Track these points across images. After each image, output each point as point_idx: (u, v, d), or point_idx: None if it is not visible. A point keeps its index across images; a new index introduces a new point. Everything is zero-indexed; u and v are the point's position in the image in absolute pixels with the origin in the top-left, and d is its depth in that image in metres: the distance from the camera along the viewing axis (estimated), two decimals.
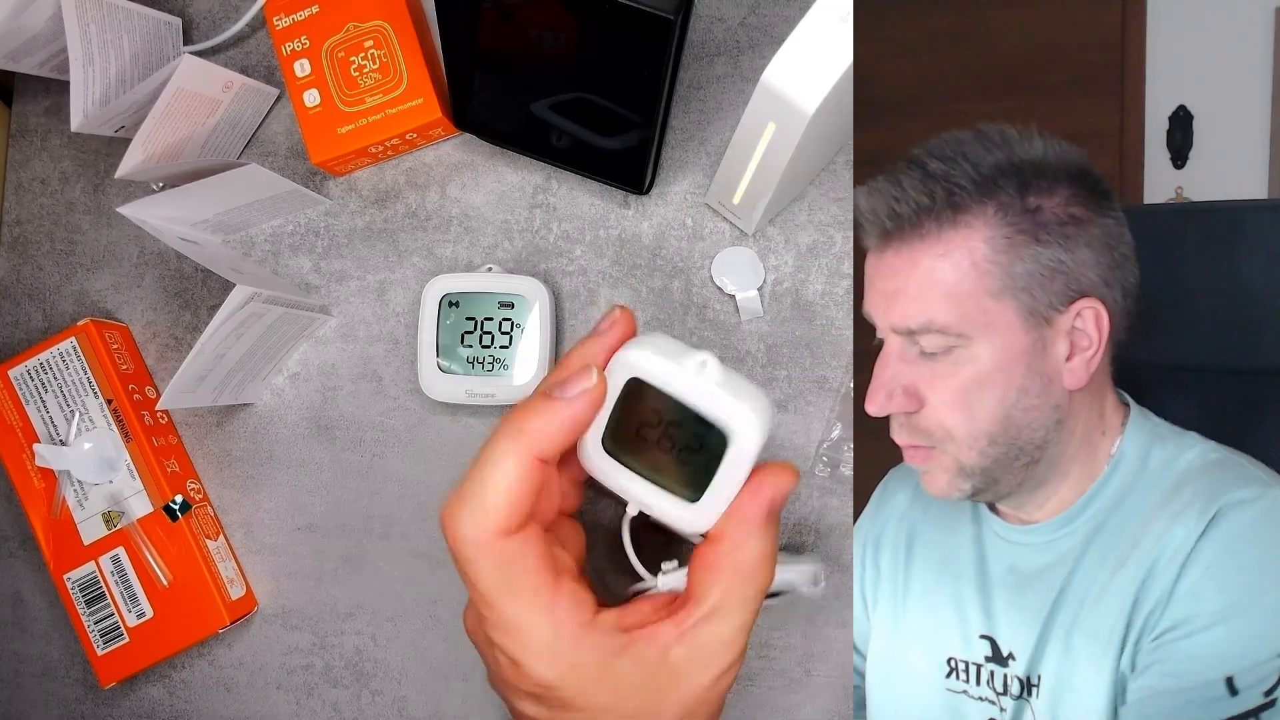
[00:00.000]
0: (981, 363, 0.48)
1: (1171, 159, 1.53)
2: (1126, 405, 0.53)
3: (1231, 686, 0.44)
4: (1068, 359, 0.48)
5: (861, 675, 0.60)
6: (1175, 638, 0.45)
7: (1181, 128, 1.51)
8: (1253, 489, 0.47)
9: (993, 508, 0.55)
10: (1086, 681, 0.48)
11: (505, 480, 0.34)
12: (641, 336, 0.40)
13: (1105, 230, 0.48)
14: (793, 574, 0.47)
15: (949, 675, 0.54)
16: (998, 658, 0.52)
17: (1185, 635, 0.45)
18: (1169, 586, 0.46)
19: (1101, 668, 0.48)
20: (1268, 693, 0.44)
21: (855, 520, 0.58)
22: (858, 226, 0.51)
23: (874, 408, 0.50)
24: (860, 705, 0.59)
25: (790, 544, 0.57)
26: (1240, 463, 0.49)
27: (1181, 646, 0.45)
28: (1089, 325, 0.48)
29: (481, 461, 0.35)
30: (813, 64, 0.42)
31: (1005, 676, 0.52)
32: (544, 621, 0.35)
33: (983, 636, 0.53)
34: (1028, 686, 0.51)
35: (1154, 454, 0.50)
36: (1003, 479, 0.50)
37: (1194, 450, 0.50)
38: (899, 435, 0.51)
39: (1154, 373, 0.58)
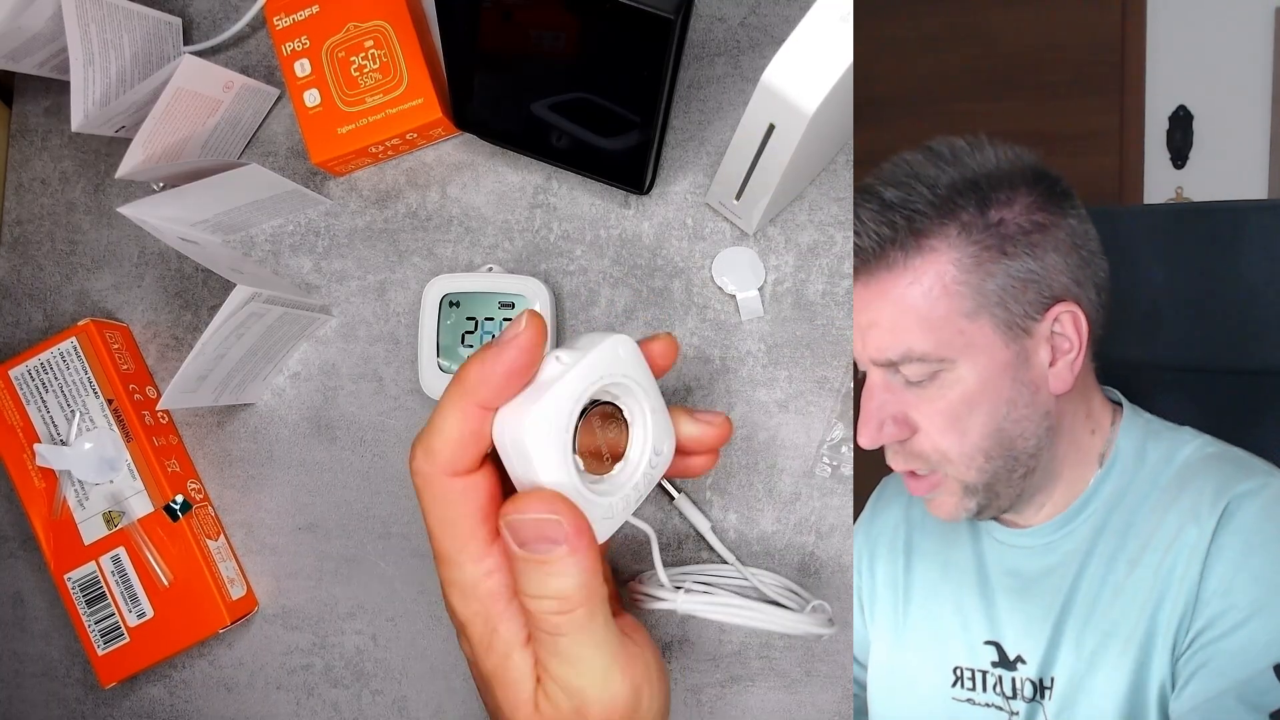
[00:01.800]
0: (967, 383, 0.47)
1: (1171, 159, 1.53)
2: (1117, 404, 0.53)
3: None
4: (1051, 365, 0.48)
5: (861, 684, 0.59)
6: (1214, 638, 0.45)
7: (1181, 128, 1.52)
8: (1256, 479, 0.47)
9: None
10: (1105, 681, 0.48)
11: (448, 424, 0.38)
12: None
13: (1070, 231, 0.48)
14: (808, 624, 0.47)
15: (955, 684, 0.54)
16: (1004, 662, 0.52)
17: (1224, 634, 0.45)
18: (1194, 587, 0.46)
19: (1120, 668, 0.48)
20: None
21: (855, 520, 0.58)
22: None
23: (865, 440, 0.50)
24: (860, 712, 0.59)
25: (795, 581, 0.57)
26: (1238, 454, 0.49)
27: (1223, 646, 0.45)
28: (1068, 329, 0.48)
29: (435, 408, 0.39)
30: (813, 64, 0.42)
31: (1015, 680, 0.52)
32: (469, 564, 0.39)
33: (988, 642, 0.53)
34: (1040, 689, 0.51)
35: (1150, 450, 0.50)
36: (1003, 492, 0.50)
37: (1191, 445, 0.50)
38: (894, 461, 0.51)
39: (1153, 373, 0.58)
